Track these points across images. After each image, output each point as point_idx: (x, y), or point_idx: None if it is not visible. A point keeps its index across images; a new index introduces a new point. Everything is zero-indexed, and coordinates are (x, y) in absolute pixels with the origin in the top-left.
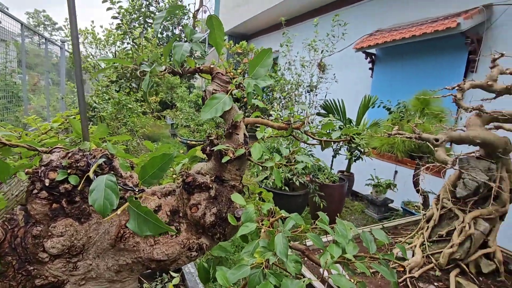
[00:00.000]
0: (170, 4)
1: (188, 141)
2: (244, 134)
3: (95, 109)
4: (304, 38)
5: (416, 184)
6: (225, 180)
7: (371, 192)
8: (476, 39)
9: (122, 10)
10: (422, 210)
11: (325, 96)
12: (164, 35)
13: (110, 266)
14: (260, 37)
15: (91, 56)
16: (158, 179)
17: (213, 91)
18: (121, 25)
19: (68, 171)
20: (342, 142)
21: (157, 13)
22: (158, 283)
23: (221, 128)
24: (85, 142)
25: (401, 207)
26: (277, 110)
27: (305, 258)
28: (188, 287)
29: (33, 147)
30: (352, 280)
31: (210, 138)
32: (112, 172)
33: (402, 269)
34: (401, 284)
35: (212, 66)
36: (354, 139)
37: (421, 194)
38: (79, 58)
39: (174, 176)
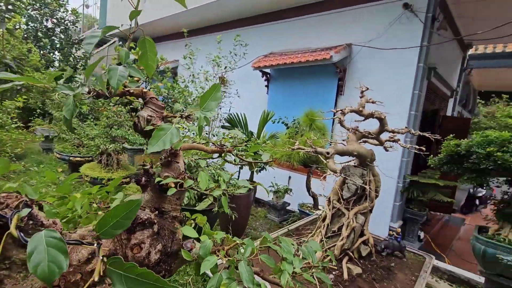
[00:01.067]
0: None
1: (71, 157)
2: (183, 162)
3: None
4: (207, 53)
5: (308, 188)
6: (165, 211)
7: (272, 198)
8: (343, 69)
9: None
10: (314, 210)
11: (229, 110)
12: (30, 26)
13: None
14: (162, 43)
15: None
16: (123, 228)
17: (148, 117)
18: None
19: None
20: (269, 160)
21: None
22: None
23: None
24: None
25: (298, 209)
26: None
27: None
28: None
29: None
30: None
31: (144, 168)
32: (32, 222)
33: (309, 266)
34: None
35: (144, 90)
36: (258, 151)
37: (312, 196)
38: None
39: (100, 213)
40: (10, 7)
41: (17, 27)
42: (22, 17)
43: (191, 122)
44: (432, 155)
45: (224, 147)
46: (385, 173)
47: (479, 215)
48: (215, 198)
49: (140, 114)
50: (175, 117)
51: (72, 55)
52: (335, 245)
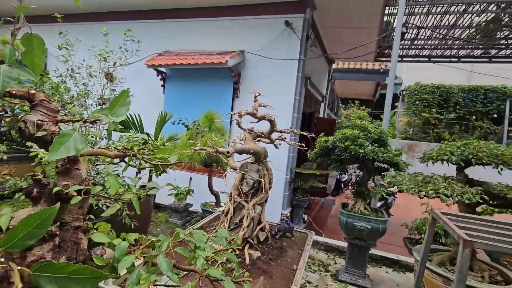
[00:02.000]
0: None
1: None
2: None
3: None
4: (91, 45)
5: (210, 186)
6: (65, 223)
7: (174, 201)
8: (237, 74)
9: None
10: (216, 207)
11: None
12: None
13: None
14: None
15: None
16: (36, 238)
17: (39, 122)
18: None
19: None
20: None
21: None
22: None
23: None
24: None
25: (201, 209)
26: None
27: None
28: None
29: None
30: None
31: (36, 178)
32: None
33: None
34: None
35: (32, 91)
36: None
37: (214, 195)
38: None
39: None
40: None
41: None
42: None
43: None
44: (310, 150)
45: (128, 151)
46: (277, 167)
47: (344, 196)
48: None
49: (28, 118)
50: (76, 121)
51: None
52: (238, 235)
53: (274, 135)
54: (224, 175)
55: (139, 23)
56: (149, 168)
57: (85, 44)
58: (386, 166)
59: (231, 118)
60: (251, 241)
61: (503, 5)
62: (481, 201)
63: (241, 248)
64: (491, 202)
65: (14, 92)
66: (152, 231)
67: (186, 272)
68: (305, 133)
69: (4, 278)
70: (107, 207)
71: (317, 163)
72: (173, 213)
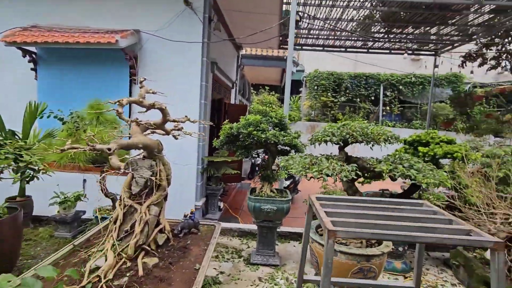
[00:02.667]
0: None
1: None
2: None
3: None
4: None
5: (103, 190)
6: None
7: (58, 211)
8: (133, 56)
9: None
10: (113, 211)
11: None
12: None
13: None
14: None
15: None
16: None
17: None
18: None
19: None
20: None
21: None
22: None
23: None
24: None
25: (94, 216)
26: None
27: None
28: None
29: None
30: None
31: None
32: None
33: (98, 279)
34: None
35: None
36: (22, 156)
37: (109, 197)
38: None
39: None
40: None
41: None
42: None
43: None
44: (215, 138)
45: None
46: (187, 157)
47: (255, 180)
48: None
49: None
50: None
51: None
52: (128, 244)
53: (170, 126)
54: (114, 173)
55: None
56: (27, 177)
57: None
58: (287, 148)
59: (130, 108)
60: (147, 247)
61: (374, 2)
62: (355, 177)
63: (134, 258)
64: (365, 175)
65: None
66: (28, 252)
67: None
68: (202, 122)
69: None
70: None
71: (227, 151)
72: (59, 226)
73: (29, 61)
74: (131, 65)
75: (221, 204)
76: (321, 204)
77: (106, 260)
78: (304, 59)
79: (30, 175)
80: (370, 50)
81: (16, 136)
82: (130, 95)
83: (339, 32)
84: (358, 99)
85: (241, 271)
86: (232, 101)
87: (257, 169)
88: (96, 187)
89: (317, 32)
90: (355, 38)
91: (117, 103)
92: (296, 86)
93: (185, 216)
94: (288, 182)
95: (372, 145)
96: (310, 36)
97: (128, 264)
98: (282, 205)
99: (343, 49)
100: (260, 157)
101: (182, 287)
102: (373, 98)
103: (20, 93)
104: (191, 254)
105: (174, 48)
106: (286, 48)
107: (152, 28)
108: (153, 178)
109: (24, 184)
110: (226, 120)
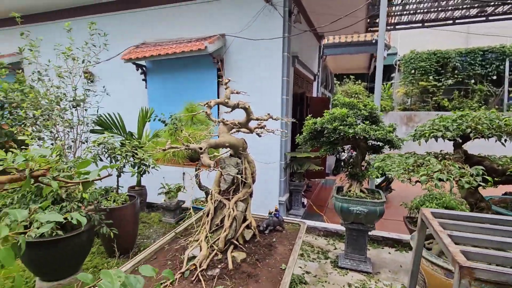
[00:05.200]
0: None
1: None
2: None
3: None
4: (56, 44)
5: (198, 183)
6: None
7: (164, 200)
8: (220, 60)
9: None
10: (206, 203)
11: (97, 111)
12: None
13: None
14: None
15: None
16: None
17: None
18: None
19: None
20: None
21: None
22: None
23: None
24: None
25: (192, 207)
26: (31, 133)
27: None
28: None
29: None
30: None
31: None
32: None
33: (194, 267)
34: (195, 280)
35: None
36: (137, 154)
37: (203, 190)
38: None
39: None
40: None
41: None
42: None
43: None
44: (298, 134)
45: (33, 170)
46: (270, 153)
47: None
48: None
49: None
50: None
51: None
52: (219, 237)
53: (254, 124)
54: (209, 171)
55: (110, 16)
56: (140, 171)
57: (48, 42)
58: (380, 144)
59: (218, 108)
60: (236, 242)
61: None
62: (482, 184)
63: (224, 251)
64: (495, 179)
65: None
66: (144, 233)
67: None
68: (284, 119)
69: None
70: (78, 221)
71: (311, 147)
72: (165, 212)
73: (141, 73)
74: (218, 68)
75: (305, 200)
76: (441, 224)
77: (200, 250)
78: (396, 41)
79: (143, 169)
80: (490, 18)
81: (133, 137)
82: (218, 96)
83: (444, 1)
84: (472, 80)
85: (328, 273)
86: (314, 94)
87: (342, 164)
88: (192, 180)
89: (414, 6)
90: (468, 5)
91: (206, 105)
92: (387, 71)
93: (269, 213)
94: (379, 180)
95: (504, 141)
96: (405, 12)
97: (219, 256)
98: (374, 208)
99: (450, 21)
100: (346, 152)
101: (269, 286)
102: (494, 77)
103: (134, 101)
104: (277, 252)
105: (256, 46)
106: (375, 31)
107: (236, 30)
108: (238, 176)
109: (139, 177)
110: (309, 115)
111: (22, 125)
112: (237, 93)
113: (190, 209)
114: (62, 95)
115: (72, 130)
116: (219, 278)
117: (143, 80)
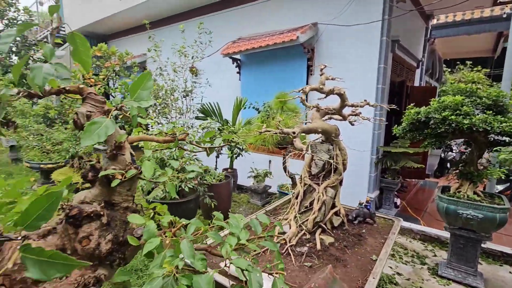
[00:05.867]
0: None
1: (42, 165)
2: (131, 153)
3: None
4: (173, 43)
5: (285, 169)
6: (115, 203)
7: (253, 183)
8: (310, 49)
9: None
10: (292, 189)
11: (201, 100)
12: None
13: None
14: (122, 38)
15: None
16: (46, 221)
17: (88, 113)
18: None
19: None
20: (223, 145)
21: None
22: None
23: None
24: None
25: (278, 191)
26: (154, 118)
27: (210, 256)
28: None
29: None
30: (247, 259)
31: (90, 163)
32: None
33: (284, 241)
34: (285, 253)
35: (81, 85)
36: (234, 139)
37: (289, 176)
38: None
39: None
40: None
41: None
42: None
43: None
44: (396, 125)
45: (178, 135)
46: (360, 146)
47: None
48: (193, 188)
49: (79, 110)
50: (113, 110)
51: (31, 58)
52: (308, 219)
53: (347, 111)
54: (294, 155)
55: (213, 15)
56: (235, 153)
57: (168, 43)
58: (507, 139)
59: (306, 97)
60: (324, 226)
61: None
62: None
63: (312, 232)
64: None
65: (68, 88)
66: (234, 210)
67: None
68: (385, 106)
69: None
70: (190, 188)
71: (410, 140)
72: (253, 194)
73: (236, 66)
74: (309, 57)
75: (398, 201)
76: None
77: (290, 227)
78: None
79: (238, 153)
80: None
81: (228, 123)
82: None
83: None
84: None
85: (424, 279)
86: (416, 83)
87: (448, 165)
88: (277, 168)
89: None
90: None
91: (301, 91)
92: None
93: (360, 204)
94: (501, 187)
95: None
96: None
97: (307, 236)
98: (493, 214)
99: None
100: (454, 150)
101: (358, 273)
102: None
103: (229, 92)
104: (367, 243)
105: (350, 33)
106: (508, 2)
107: (329, 18)
108: (330, 161)
109: (233, 159)
110: (411, 104)
111: (146, 112)
112: (332, 79)
113: (277, 193)
114: (175, 87)
115: (181, 117)
116: (307, 256)
117: (237, 72)
